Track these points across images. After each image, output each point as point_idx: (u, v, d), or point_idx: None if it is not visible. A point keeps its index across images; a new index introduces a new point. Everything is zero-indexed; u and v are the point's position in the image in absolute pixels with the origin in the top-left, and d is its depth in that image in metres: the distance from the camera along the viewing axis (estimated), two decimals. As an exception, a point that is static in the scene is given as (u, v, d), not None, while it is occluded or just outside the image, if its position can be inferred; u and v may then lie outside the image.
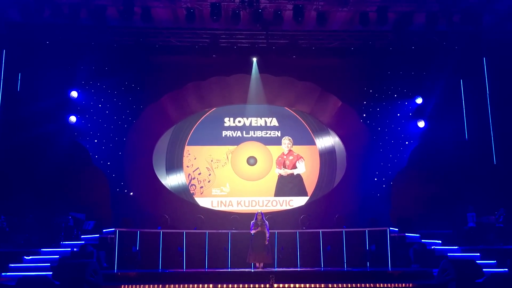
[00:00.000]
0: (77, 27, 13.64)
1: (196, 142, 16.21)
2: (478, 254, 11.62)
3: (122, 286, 9.59)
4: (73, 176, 13.76)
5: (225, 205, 15.79)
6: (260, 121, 16.50)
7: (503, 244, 12.65)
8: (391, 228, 12.28)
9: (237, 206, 15.79)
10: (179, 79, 14.94)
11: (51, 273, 9.68)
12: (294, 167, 16.09)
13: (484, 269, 9.71)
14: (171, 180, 15.92)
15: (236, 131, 16.39)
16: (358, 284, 9.58)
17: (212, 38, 14.42)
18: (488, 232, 13.19)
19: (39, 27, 13.76)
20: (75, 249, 11.61)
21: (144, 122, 14.89)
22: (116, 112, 14.65)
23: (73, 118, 14.10)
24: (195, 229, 12.71)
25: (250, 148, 16.27)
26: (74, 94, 14.15)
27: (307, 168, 16.15)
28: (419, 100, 14.75)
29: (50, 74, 13.93)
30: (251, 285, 9.51)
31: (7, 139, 13.79)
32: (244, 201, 15.87)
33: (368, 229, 12.25)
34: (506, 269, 10.49)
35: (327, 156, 16.26)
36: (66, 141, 13.99)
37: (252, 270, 11.01)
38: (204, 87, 15.33)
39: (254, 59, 14.98)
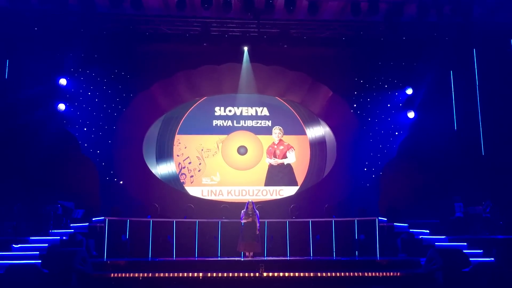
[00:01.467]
0: (65, 14, 13.40)
1: (186, 131, 16.16)
2: (465, 243, 11.77)
3: (112, 274, 9.55)
4: (62, 165, 13.69)
5: (215, 194, 15.79)
6: (251, 111, 16.47)
7: (489, 234, 12.84)
8: (380, 218, 12.41)
9: (227, 195, 15.80)
10: (169, 68, 14.85)
11: (40, 261, 9.66)
12: (285, 156, 16.12)
13: (470, 258, 9.83)
14: (161, 169, 15.88)
15: (226, 121, 16.35)
16: (347, 273, 9.66)
17: (203, 26, 14.30)
18: (475, 222, 13.36)
19: (27, 13, 13.50)
20: (64, 238, 11.56)
21: (134, 111, 14.79)
22: (105, 100, 14.54)
23: (62, 106, 13.95)
24: (185, 218, 12.70)
25: (240, 138, 16.25)
26: (63, 81, 13.98)
27: (298, 158, 16.19)
28: (409, 91, 14.80)
29: (38, 61, 13.71)
30: (241, 274, 9.53)
31: (-5, 127, 13.64)
32: (234, 190, 15.89)
33: (357, 218, 12.38)
34: (492, 259, 10.65)
35: (317, 146, 16.30)
36: (55, 129, 13.85)
37: (242, 259, 11.05)
38: (194, 76, 15.25)
39: (245, 48, 14.91)
